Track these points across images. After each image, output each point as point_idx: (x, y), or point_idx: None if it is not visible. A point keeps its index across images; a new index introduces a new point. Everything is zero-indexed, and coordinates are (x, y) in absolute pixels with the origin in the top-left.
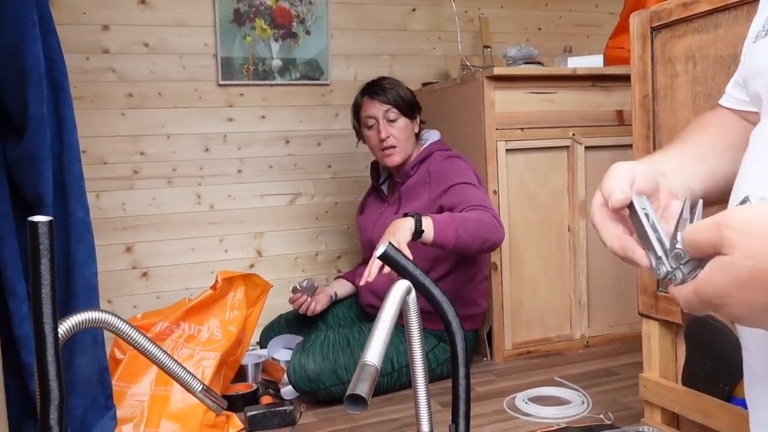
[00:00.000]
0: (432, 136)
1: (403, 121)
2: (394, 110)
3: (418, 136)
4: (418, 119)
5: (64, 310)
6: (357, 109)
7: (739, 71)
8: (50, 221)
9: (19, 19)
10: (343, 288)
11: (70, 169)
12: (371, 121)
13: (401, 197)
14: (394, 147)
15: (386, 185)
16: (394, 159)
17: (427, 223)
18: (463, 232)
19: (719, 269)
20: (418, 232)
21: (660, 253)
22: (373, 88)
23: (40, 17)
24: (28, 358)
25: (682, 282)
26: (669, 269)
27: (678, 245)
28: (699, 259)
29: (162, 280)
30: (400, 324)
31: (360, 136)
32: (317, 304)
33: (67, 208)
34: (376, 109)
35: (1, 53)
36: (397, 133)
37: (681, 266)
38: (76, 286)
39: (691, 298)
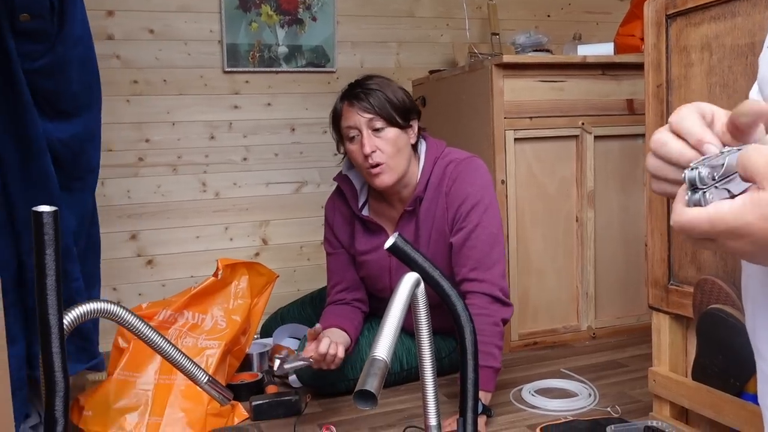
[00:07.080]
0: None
1: (392, 132)
2: (380, 119)
3: (415, 147)
4: (414, 128)
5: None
6: (336, 119)
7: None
8: (55, 211)
9: (82, 15)
10: (342, 339)
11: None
12: (353, 132)
13: (419, 230)
14: (381, 164)
15: (366, 209)
16: (384, 179)
17: (486, 396)
18: (498, 354)
19: (751, 203)
20: (487, 412)
21: (714, 144)
22: (354, 92)
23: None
24: None
25: (697, 204)
26: (704, 175)
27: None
28: (728, 190)
29: (167, 268)
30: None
31: (342, 149)
32: (339, 345)
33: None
34: (358, 118)
35: (71, 46)
36: (384, 146)
37: (714, 185)
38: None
39: (701, 223)
